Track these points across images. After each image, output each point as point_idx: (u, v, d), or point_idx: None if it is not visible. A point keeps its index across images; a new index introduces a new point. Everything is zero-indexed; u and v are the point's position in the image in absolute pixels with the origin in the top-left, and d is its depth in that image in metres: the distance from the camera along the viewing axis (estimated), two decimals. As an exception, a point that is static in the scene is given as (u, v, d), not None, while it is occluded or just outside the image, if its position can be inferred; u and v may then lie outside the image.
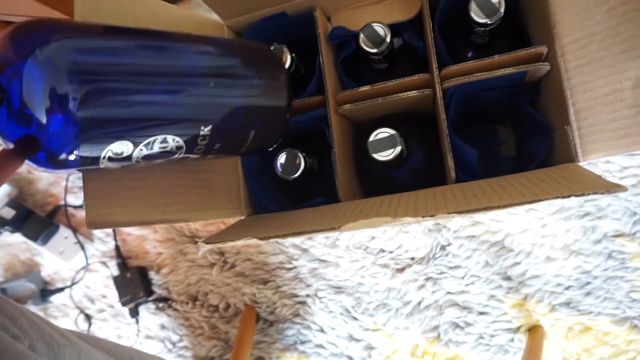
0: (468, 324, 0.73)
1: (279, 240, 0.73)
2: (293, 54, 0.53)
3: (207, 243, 0.40)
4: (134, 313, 0.90)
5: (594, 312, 0.68)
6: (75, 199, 0.95)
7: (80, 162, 0.27)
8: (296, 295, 0.82)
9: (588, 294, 0.68)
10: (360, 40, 0.50)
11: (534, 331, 0.70)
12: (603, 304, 0.68)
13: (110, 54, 0.27)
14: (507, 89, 0.52)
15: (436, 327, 0.75)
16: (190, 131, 0.31)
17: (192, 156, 0.34)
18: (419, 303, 0.76)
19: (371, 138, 0.47)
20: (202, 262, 0.87)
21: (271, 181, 0.55)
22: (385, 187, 0.58)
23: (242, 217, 0.53)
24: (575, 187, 0.34)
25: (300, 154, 0.51)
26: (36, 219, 0.93)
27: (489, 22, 0.46)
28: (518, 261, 0.71)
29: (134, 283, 0.88)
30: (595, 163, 0.67)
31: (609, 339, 0.68)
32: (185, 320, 0.88)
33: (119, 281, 0.90)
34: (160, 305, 0.89)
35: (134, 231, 0.92)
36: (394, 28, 0.53)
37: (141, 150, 0.29)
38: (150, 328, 0.90)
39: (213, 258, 0.86)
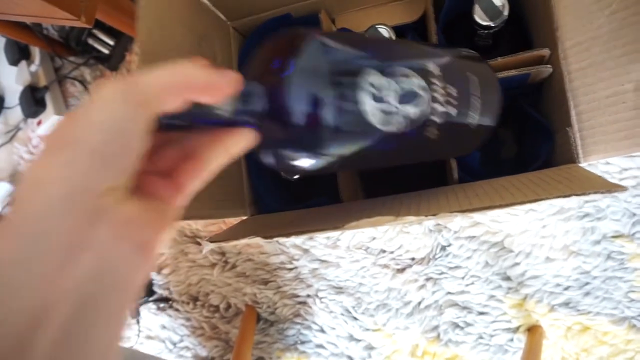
0: (468, 324, 0.74)
1: (280, 240, 0.73)
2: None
3: (211, 242, 0.40)
4: (135, 313, 0.90)
5: (593, 312, 0.69)
6: (77, 198, 0.95)
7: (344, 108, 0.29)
8: (297, 296, 0.82)
9: (587, 294, 0.69)
10: (364, 42, 0.50)
11: (533, 331, 0.71)
12: (602, 304, 0.68)
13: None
14: (510, 90, 0.52)
15: (436, 327, 0.75)
16: (421, 68, 0.36)
17: (438, 108, 0.36)
18: (419, 303, 0.76)
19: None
20: (203, 262, 0.87)
21: (274, 180, 0.56)
22: (386, 186, 0.58)
23: (245, 217, 0.53)
24: (576, 187, 0.34)
25: (303, 154, 0.51)
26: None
27: (492, 25, 0.46)
28: (518, 262, 0.72)
29: (135, 282, 0.88)
30: (595, 165, 0.67)
31: (608, 338, 0.68)
32: (186, 321, 0.88)
33: (119, 281, 0.90)
34: (161, 305, 0.90)
35: (135, 231, 0.92)
36: (398, 30, 0.54)
37: (394, 85, 0.32)
38: (150, 328, 0.91)
39: (214, 258, 0.86)
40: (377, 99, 0.31)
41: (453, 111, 0.37)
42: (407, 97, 0.33)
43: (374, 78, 0.31)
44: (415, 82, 0.34)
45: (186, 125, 0.25)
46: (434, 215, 0.34)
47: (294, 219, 0.44)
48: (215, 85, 0.24)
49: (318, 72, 0.28)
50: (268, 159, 0.31)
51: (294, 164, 0.30)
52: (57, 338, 0.18)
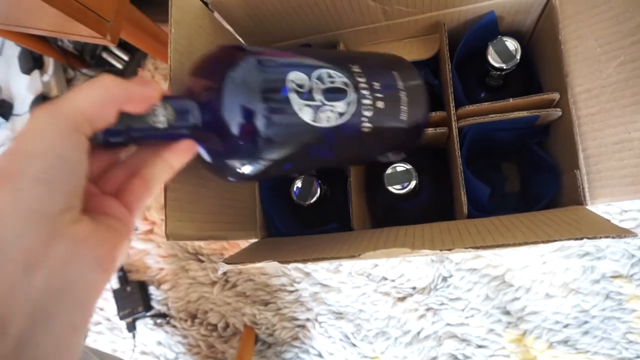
0: (466, 357, 0.74)
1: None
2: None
3: (227, 263, 0.41)
4: (131, 327, 0.89)
5: (591, 352, 0.69)
6: (81, 209, 0.95)
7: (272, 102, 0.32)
8: (296, 319, 0.82)
9: (586, 333, 0.69)
10: (381, 76, 0.52)
11: (531, 367, 0.71)
12: (600, 344, 0.69)
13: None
14: (518, 130, 0.54)
15: (434, 358, 0.75)
16: (343, 67, 0.38)
17: (365, 101, 0.39)
18: (419, 333, 0.76)
19: (388, 171, 0.48)
20: (203, 279, 0.87)
21: (286, 205, 0.57)
22: (394, 217, 0.59)
23: (256, 240, 0.54)
24: (586, 230, 0.35)
25: (316, 181, 0.52)
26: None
27: (505, 67, 0.49)
28: (518, 296, 0.72)
29: (134, 297, 0.88)
30: (596, 205, 0.69)
31: (605, 379, 0.69)
32: (182, 338, 0.88)
33: (118, 294, 0.90)
34: (159, 321, 0.89)
35: (136, 245, 0.92)
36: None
37: (317, 83, 0.35)
38: (146, 344, 0.90)
39: (215, 276, 0.86)
40: (302, 95, 0.34)
41: (381, 104, 0.40)
42: (333, 93, 0.36)
43: (297, 76, 0.34)
44: (339, 80, 0.37)
45: (126, 142, 0.27)
46: (449, 250, 0.35)
47: (308, 244, 0.45)
48: (137, 95, 0.25)
49: (249, 83, 0.31)
50: (211, 168, 0.32)
51: (238, 170, 0.32)
52: (14, 346, 0.19)
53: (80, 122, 0.23)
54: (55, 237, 0.21)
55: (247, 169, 0.32)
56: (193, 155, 0.30)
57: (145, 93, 0.26)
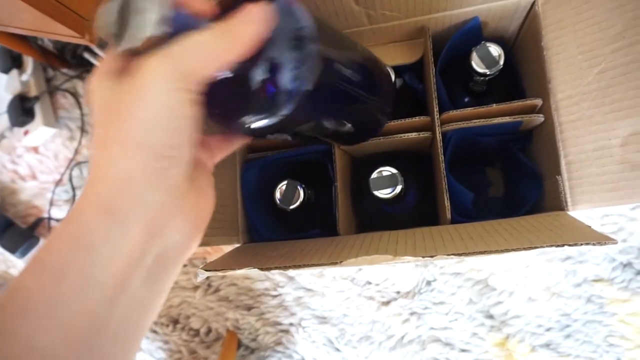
0: (450, 361, 0.74)
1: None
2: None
3: (207, 270, 0.40)
4: (111, 333, 0.87)
5: (573, 355, 0.70)
6: (60, 211, 0.93)
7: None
8: (280, 323, 0.81)
9: (568, 336, 0.70)
10: (365, 80, 0.52)
11: (513, 371, 0.71)
12: (582, 347, 0.69)
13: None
14: (501, 135, 0.54)
15: (418, 363, 0.75)
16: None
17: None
18: (403, 337, 0.76)
19: (373, 176, 0.48)
20: (185, 284, 0.86)
21: (269, 210, 0.56)
22: (380, 221, 0.59)
23: (238, 245, 0.53)
24: (567, 237, 0.35)
25: (299, 186, 0.52)
26: (16, 231, 0.91)
27: (488, 73, 0.49)
28: (501, 300, 0.73)
29: (114, 302, 0.86)
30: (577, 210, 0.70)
31: (586, 382, 0.69)
32: (164, 343, 0.86)
33: (98, 299, 0.88)
34: (139, 326, 0.87)
35: (117, 249, 0.90)
36: (396, 69, 0.56)
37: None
38: (126, 350, 0.88)
39: (198, 281, 0.85)
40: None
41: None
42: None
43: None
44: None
45: None
46: (431, 256, 0.35)
47: (290, 250, 0.45)
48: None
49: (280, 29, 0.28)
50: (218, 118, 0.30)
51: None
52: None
53: (199, 79, 0.22)
54: (174, 209, 0.22)
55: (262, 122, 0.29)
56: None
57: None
